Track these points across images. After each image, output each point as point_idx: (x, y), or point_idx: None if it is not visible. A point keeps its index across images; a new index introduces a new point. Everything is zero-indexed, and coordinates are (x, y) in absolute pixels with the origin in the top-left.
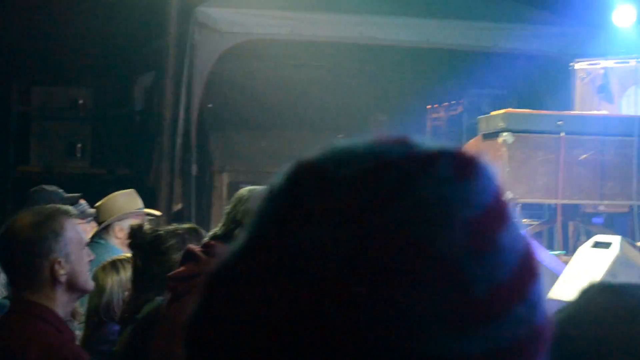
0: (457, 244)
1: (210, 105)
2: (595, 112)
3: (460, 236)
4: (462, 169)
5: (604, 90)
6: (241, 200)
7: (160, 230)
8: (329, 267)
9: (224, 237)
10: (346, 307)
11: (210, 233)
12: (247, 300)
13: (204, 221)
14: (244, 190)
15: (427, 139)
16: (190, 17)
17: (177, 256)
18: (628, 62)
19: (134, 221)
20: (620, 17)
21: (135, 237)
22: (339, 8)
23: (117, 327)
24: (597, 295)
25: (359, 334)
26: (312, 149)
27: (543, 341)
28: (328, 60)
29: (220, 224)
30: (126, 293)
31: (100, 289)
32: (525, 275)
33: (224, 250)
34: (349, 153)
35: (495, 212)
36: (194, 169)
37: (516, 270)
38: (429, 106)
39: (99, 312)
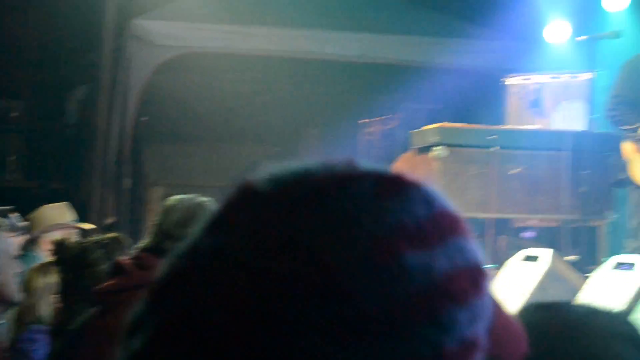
0: (353, 258)
1: (144, 119)
2: (527, 126)
3: (358, 252)
4: (383, 188)
5: (536, 105)
6: (169, 211)
7: (86, 243)
8: (229, 273)
9: (155, 249)
10: (240, 316)
11: (140, 245)
12: (175, 308)
13: (138, 234)
14: (172, 200)
15: (369, 162)
16: (126, 29)
17: (104, 267)
18: (560, 78)
19: (59, 235)
20: (553, 34)
21: (59, 251)
22: (274, 22)
23: (42, 328)
24: (533, 314)
25: (249, 338)
26: (247, 163)
27: None
28: (262, 73)
29: (149, 236)
30: (52, 297)
31: (28, 290)
32: (439, 296)
33: (155, 262)
34: (284, 172)
35: (407, 232)
36: (128, 182)
37: (425, 290)
38: (363, 120)
39: (25, 314)
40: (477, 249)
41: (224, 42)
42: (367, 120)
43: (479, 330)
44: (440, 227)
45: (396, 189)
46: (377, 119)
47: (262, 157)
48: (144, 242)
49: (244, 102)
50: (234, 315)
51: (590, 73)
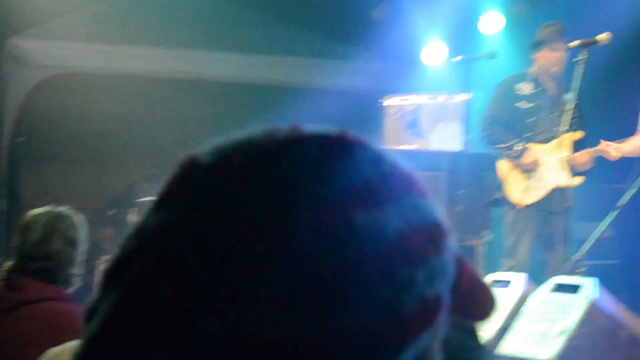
0: (301, 222)
1: (21, 139)
2: (405, 147)
3: (305, 215)
4: (327, 150)
5: (413, 126)
6: (27, 231)
7: None
8: (175, 248)
9: (21, 270)
10: (180, 287)
11: (6, 266)
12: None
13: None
14: (28, 217)
15: (319, 125)
16: (1, 49)
17: None
18: (437, 99)
19: None
20: (430, 55)
21: None
22: (154, 42)
23: None
24: None
25: (201, 311)
26: (125, 184)
27: (420, 325)
28: (141, 94)
29: (13, 257)
30: None
31: None
32: (394, 255)
33: (25, 282)
34: (227, 143)
35: (357, 192)
36: (3, 204)
37: (379, 250)
38: None
39: None
40: (435, 207)
41: (101, 63)
42: None
43: (441, 289)
44: (391, 186)
45: (342, 150)
46: None
47: (140, 178)
48: (9, 263)
49: (123, 122)
50: (183, 289)
51: (466, 94)
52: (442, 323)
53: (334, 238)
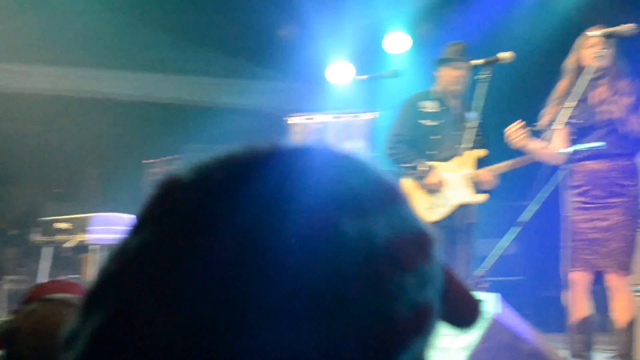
0: (289, 234)
1: None
2: None
3: (293, 227)
4: (312, 161)
5: None
6: None
7: None
8: (158, 267)
9: None
10: (166, 308)
11: None
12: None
13: None
14: None
15: (294, 142)
16: None
17: None
18: (342, 117)
19: None
20: (336, 74)
21: None
22: (57, 61)
23: None
24: None
25: (187, 332)
26: (26, 204)
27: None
28: (47, 113)
29: None
30: None
31: None
32: (384, 263)
33: None
34: (206, 160)
35: (343, 202)
36: None
37: (368, 258)
38: (147, 160)
39: None
40: (419, 217)
41: (4, 81)
42: (151, 160)
43: (430, 295)
44: (377, 195)
45: (325, 161)
46: (161, 159)
47: (44, 197)
48: None
49: (26, 142)
50: (169, 309)
51: (371, 113)
52: (433, 329)
53: (322, 249)
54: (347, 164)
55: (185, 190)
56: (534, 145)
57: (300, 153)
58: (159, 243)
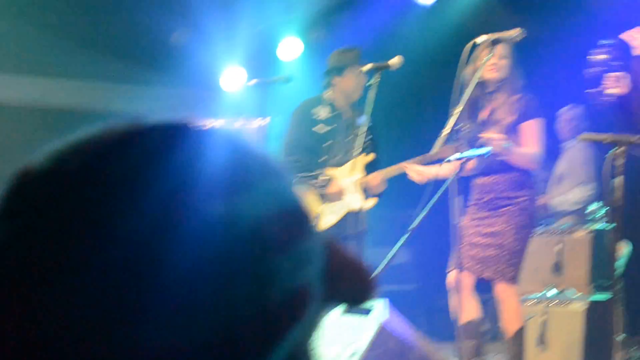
0: (146, 222)
1: None
2: None
3: (151, 214)
4: (171, 139)
5: None
6: None
7: None
8: (12, 269)
9: None
10: (15, 306)
11: None
12: None
13: None
14: None
15: (161, 115)
16: None
17: None
18: (234, 123)
19: None
20: (228, 80)
21: None
22: None
23: None
24: None
25: (48, 336)
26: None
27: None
28: None
29: None
30: None
31: None
32: (252, 245)
33: None
34: (63, 145)
35: (207, 182)
36: None
37: (234, 241)
38: None
39: None
40: (297, 191)
41: None
42: None
43: (309, 277)
44: (246, 171)
45: (188, 138)
46: None
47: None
48: None
49: None
50: (17, 307)
51: (263, 119)
52: (313, 314)
53: (184, 235)
54: (214, 140)
55: (38, 182)
56: (432, 172)
57: (160, 131)
58: (10, 242)
